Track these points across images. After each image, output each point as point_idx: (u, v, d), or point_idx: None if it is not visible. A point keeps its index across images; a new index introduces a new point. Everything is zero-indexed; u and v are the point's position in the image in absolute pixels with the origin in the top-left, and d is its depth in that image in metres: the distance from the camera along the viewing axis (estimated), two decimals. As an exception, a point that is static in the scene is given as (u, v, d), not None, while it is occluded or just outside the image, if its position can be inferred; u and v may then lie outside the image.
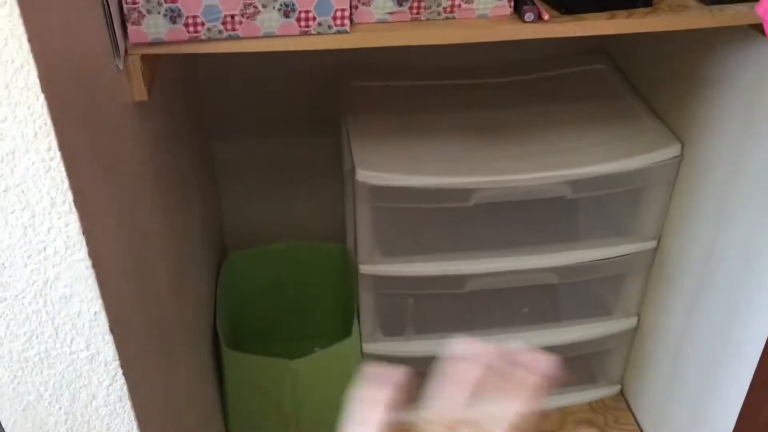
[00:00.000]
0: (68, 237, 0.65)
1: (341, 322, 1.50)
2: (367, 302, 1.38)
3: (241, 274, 1.52)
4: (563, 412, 1.56)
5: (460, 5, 0.91)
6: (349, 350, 1.37)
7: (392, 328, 1.44)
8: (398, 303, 1.41)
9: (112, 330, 0.73)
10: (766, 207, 1.07)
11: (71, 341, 0.72)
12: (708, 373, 1.25)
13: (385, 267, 1.33)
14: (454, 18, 0.92)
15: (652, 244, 1.37)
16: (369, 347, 1.42)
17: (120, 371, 0.75)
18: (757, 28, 1.01)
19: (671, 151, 1.26)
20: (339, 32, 0.89)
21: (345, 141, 1.36)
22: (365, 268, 1.33)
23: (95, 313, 0.71)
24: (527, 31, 0.92)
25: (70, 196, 0.63)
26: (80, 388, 0.76)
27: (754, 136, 1.08)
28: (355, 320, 1.38)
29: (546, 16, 0.91)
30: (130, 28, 0.85)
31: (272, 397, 1.38)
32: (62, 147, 0.60)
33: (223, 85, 1.48)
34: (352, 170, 1.24)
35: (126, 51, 0.86)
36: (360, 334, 1.39)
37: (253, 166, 1.59)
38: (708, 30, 0.97)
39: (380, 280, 1.34)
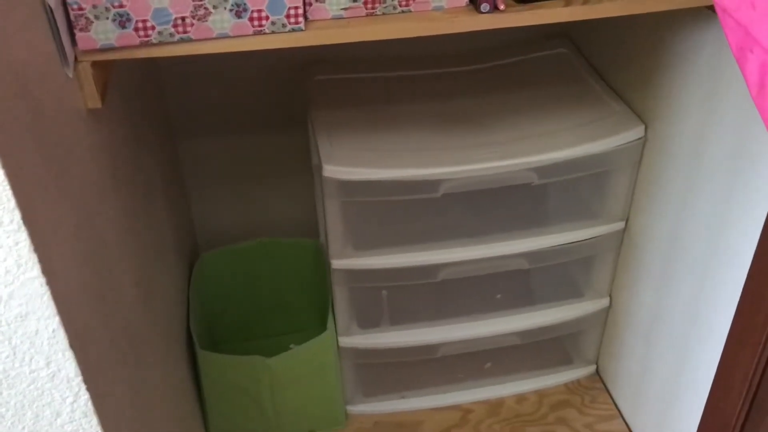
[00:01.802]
0: (19, 255, 0.64)
1: (316, 318, 1.50)
2: (341, 296, 1.38)
3: (213, 274, 1.51)
4: (540, 395, 1.57)
5: (414, -2, 0.90)
6: (325, 345, 1.37)
7: (367, 321, 1.43)
8: (372, 296, 1.41)
9: (73, 346, 0.72)
10: (728, 186, 1.08)
11: (30, 360, 0.71)
12: (680, 349, 1.27)
13: (357, 261, 1.32)
14: (410, 11, 0.91)
15: (620, 225, 1.37)
16: (345, 341, 1.42)
17: (83, 387, 0.74)
18: (714, 8, 1.01)
19: (635, 133, 1.26)
20: (294, 30, 0.88)
21: (311, 136, 1.35)
22: (337, 263, 1.32)
23: (53, 330, 0.70)
24: (484, 21, 0.91)
25: (18, 214, 0.61)
26: (43, 406, 0.74)
27: (715, 115, 1.09)
28: (330, 315, 1.37)
29: (502, 6, 0.91)
30: (78, 34, 0.83)
31: (251, 395, 1.37)
32: (6, 163, 0.59)
33: (187, 84, 1.47)
34: (319, 165, 1.23)
35: (75, 58, 0.84)
36: (335, 328, 1.39)
37: (221, 165, 1.57)
38: (667, 12, 0.97)
39: (353, 274, 1.34)
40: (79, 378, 0.74)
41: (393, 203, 1.28)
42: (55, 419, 0.75)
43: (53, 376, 0.73)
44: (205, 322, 1.45)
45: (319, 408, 1.44)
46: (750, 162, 1.02)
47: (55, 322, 0.69)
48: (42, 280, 0.66)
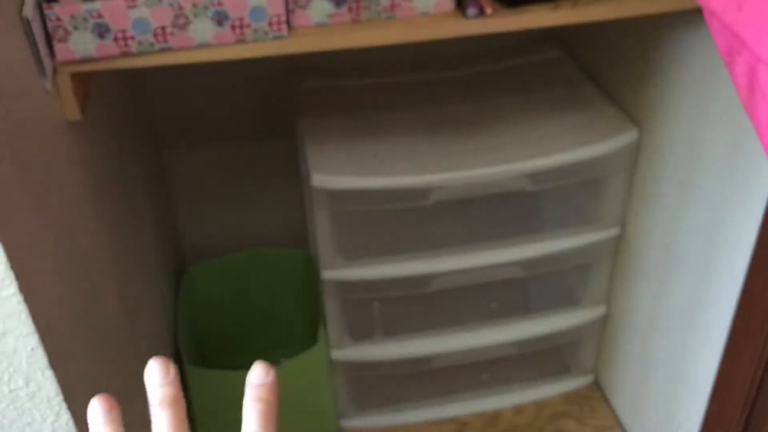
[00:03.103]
0: (-6, 273, 0.62)
1: (307, 330, 1.47)
2: (332, 308, 1.35)
3: (201, 287, 1.49)
4: (538, 406, 1.55)
5: (400, 3, 0.89)
6: (317, 358, 1.35)
7: (360, 333, 1.41)
8: (364, 307, 1.39)
9: (53, 364, 0.70)
10: (724, 189, 1.06)
11: (9, 379, 0.69)
12: (678, 356, 1.25)
13: (348, 271, 1.30)
14: (394, 17, 0.90)
15: (616, 231, 1.36)
16: (337, 354, 1.39)
17: (64, 406, 0.72)
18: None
19: (628, 136, 1.25)
20: (277, 38, 0.86)
21: (299, 144, 1.34)
22: (327, 274, 1.30)
23: (32, 349, 0.68)
24: (470, 26, 0.90)
25: (-9, 231, 0.60)
26: (24, 426, 0.72)
27: (708, 118, 1.07)
28: (321, 327, 1.35)
29: (489, 11, 0.89)
30: (57, 45, 0.81)
31: (241, 410, 1.35)
32: (-21, 179, 0.57)
33: (173, 94, 1.45)
34: (308, 174, 1.21)
35: (54, 70, 0.82)
36: (327, 341, 1.37)
37: (209, 176, 1.55)
38: (658, 15, 0.96)
39: (344, 285, 1.32)
40: (60, 397, 0.72)
41: (384, 212, 1.26)
42: (36, 440, 0.73)
43: (33, 395, 0.71)
44: (192, 336, 1.43)
45: (312, 423, 1.42)
46: (744, 164, 1.01)
47: (33, 340, 0.68)
48: (19, 297, 0.64)
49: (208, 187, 1.56)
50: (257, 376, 0.42)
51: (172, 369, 0.40)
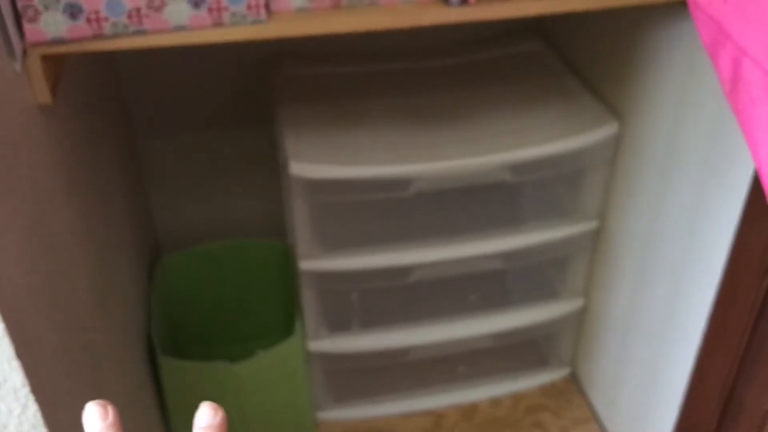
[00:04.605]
0: (-42, 261, 0.59)
1: (284, 322, 1.45)
2: (309, 299, 1.34)
3: (176, 277, 1.46)
4: (515, 398, 1.54)
5: (382, -11, 0.87)
6: (293, 350, 1.33)
7: (337, 324, 1.40)
8: (342, 298, 1.38)
9: (20, 355, 0.68)
10: (703, 182, 1.06)
11: (-27, 370, 0.67)
12: (655, 349, 1.25)
13: (326, 262, 1.29)
14: (376, 3, 0.88)
15: (595, 224, 1.35)
16: (314, 345, 1.38)
17: (32, 397, 0.70)
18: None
19: (609, 129, 1.24)
20: (255, 22, 0.84)
21: (278, 132, 1.32)
22: (305, 264, 1.28)
23: (-2, 339, 0.66)
24: (453, 14, 0.88)
25: (-45, 218, 0.57)
26: (-12, 418, 0.70)
27: (690, 111, 1.07)
28: (298, 318, 1.33)
29: (472, -2, 0.88)
30: (27, 26, 0.79)
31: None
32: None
33: (147, 79, 1.42)
34: (286, 163, 1.19)
35: (24, 51, 0.80)
36: (304, 332, 1.35)
37: (184, 163, 1.52)
38: (642, 6, 0.95)
39: (321, 276, 1.30)
40: (27, 388, 0.69)
41: (363, 202, 1.25)
42: (2, 431, 0.71)
43: (-2, 387, 0.68)
44: (166, 327, 1.41)
45: (288, 415, 1.40)
46: (724, 158, 1.01)
47: (-1, 330, 0.65)
48: (-16, 286, 0.62)
49: (184, 175, 1.54)
50: (205, 418, 0.40)
51: (111, 411, 0.39)
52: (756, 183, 0.96)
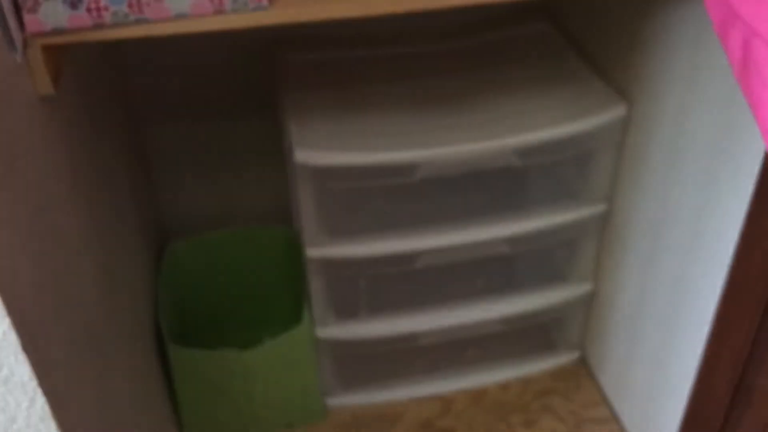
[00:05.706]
0: (-39, 254, 0.59)
1: (292, 309, 1.45)
2: (316, 286, 1.34)
3: (183, 264, 1.46)
4: (524, 382, 1.54)
5: (385, -27, 0.86)
6: (301, 337, 1.33)
7: (345, 311, 1.40)
8: (349, 284, 1.37)
9: (26, 348, 0.67)
10: (712, 165, 1.05)
11: (-20, 365, 0.67)
12: (665, 332, 1.24)
13: (333, 249, 1.28)
14: (380, -13, 0.87)
15: (603, 207, 1.34)
16: (322, 332, 1.38)
17: (39, 391, 0.70)
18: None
19: (617, 111, 1.23)
20: (256, 9, 0.83)
21: (282, 119, 1.31)
22: (312, 251, 1.28)
23: (4, 333, 0.66)
24: (458, -4, 0.87)
25: (-43, 211, 0.57)
26: (-3, 412, 0.70)
27: (698, 93, 1.06)
28: (306, 305, 1.33)
29: (477, -20, 0.86)
30: (27, 16, 0.78)
31: (224, 390, 1.33)
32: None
33: (151, 67, 1.41)
34: (291, 150, 1.19)
35: (25, 42, 0.79)
36: (312, 319, 1.35)
37: (190, 151, 1.52)
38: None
39: (328, 263, 1.30)
40: (35, 382, 0.69)
41: (369, 189, 1.24)
42: (11, 425, 0.71)
43: (6, 380, 0.68)
44: (174, 316, 1.41)
45: (297, 401, 1.41)
46: (734, 140, 0.99)
47: (5, 324, 0.65)
48: (-12, 279, 0.62)
49: (190, 163, 1.53)
50: None
51: None
52: (767, 164, 0.94)
